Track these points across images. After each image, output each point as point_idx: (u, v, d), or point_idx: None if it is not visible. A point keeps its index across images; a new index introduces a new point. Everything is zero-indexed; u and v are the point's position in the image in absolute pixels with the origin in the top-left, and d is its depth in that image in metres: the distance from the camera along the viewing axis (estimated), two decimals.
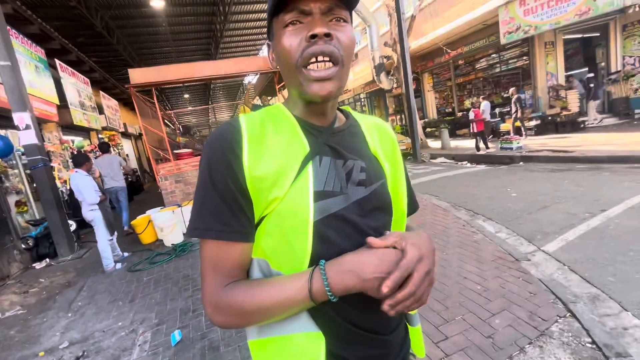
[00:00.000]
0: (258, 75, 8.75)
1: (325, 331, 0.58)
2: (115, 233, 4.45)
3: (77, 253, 5.28)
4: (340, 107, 0.73)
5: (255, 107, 8.23)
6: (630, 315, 2.03)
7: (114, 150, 12.58)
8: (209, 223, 0.55)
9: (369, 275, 0.50)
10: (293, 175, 0.56)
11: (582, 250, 2.91)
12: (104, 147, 6.28)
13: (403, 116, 12.55)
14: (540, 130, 9.94)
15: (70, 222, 5.50)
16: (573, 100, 9.76)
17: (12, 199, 5.77)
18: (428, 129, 14.64)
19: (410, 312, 0.70)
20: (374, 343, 0.62)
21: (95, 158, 6.77)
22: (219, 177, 0.54)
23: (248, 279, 0.59)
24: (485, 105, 9.81)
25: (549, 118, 9.87)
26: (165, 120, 10.01)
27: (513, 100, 9.60)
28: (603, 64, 10.09)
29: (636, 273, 2.45)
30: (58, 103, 7.74)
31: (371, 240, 0.54)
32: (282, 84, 8.57)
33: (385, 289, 0.49)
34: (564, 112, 9.67)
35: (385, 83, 12.61)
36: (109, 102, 12.78)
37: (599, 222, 3.41)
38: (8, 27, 4.97)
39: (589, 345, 1.83)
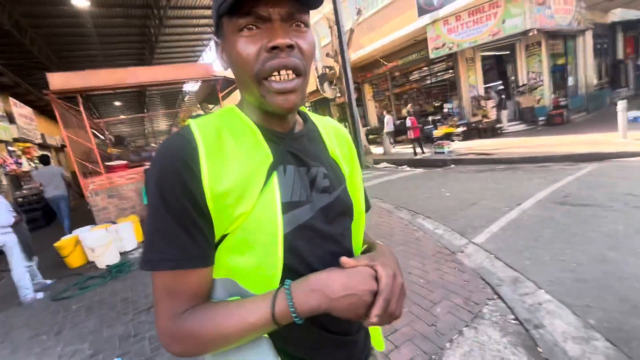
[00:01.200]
0: (199, 83, 8.42)
1: (293, 340, 0.57)
2: (36, 258, 3.91)
3: None
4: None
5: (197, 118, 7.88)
6: (543, 292, 2.37)
7: (31, 164, 11.05)
8: (164, 252, 0.49)
9: (337, 293, 0.48)
10: (259, 187, 0.52)
11: (503, 240, 3.32)
12: (45, 159, 6.40)
13: (347, 124, 13.06)
14: (466, 136, 11.09)
15: None
16: (491, 109, 11.12)
17: None
18: (370, 136, 15.41)
19: None
20: (343, 344, 0.62)
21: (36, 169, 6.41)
22: (173, 199, 0.48)
23: (209, 303, 0.54)
24: (387, 118, 11.51)
25: (473, 125, 11.08)
26: (94, 130, 9.07)
27: (408, 117, 9.92)
28: (513, 78, 11.65)
29: (546, 256, 2.88)
30: None
31: (344, 260, 0.53)
32: (225, 92, 8.35)
33: (374, 319, 0.48)
34: (485, 120, 10.94)
35: (328, 92, 13.04)
36: (22, 110, 11.22)
37: (515, 214, 3.92)
38: None
39: (513, 322, 2.10)
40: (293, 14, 0.51)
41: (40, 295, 3.78)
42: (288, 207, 0.54)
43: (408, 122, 9.75)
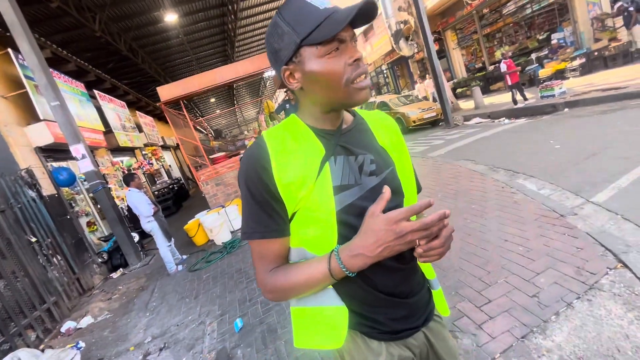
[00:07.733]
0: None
1: (355, 297, 0.72)
2: (173, 239, 4.91)
3: (143, 261, 5.91)
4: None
5: (280, 107, 8.24)
6: None
7: (159, 163, 13.52)
8: (253, 227, 0.69)
9: (373, 252, 0.61)
10: (315, 175, 0.67)
11: (635, 197, 2.71)
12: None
13: (428, 76, 11.94)
14: (585, 70, 8.98)
15: (133, 234, 6.14)
16: (623, 28, 8.64)
17: (83, 221, 6.55)
18: (459, 90, 13.85)
19: (428, 277, 0.84)
20: (399, 306, 0.75)
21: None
22: (255, 189, 0.67)
23: (287, 264, 0.73)
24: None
25: (596, 53, 8.88)
26: (198, 127, 10.53)
27: (502, 60, 8.46)
28: None
29: None
30: (104, 129, 8.49)
31: (385, 195, 0.63)
32: None
33: (420, 249, 0.62)
34: (613, 44, 8.62)
35: (405, 50, 12.10)
36: (145, 120, 13.68)
37: None
38: (51, 70, 5.51)
39: None
40: (354, 35, 0.68)
41: (180, 267, 4.79)
42: (339, 189, 0.68)
43: (503, 67, 8.40)
